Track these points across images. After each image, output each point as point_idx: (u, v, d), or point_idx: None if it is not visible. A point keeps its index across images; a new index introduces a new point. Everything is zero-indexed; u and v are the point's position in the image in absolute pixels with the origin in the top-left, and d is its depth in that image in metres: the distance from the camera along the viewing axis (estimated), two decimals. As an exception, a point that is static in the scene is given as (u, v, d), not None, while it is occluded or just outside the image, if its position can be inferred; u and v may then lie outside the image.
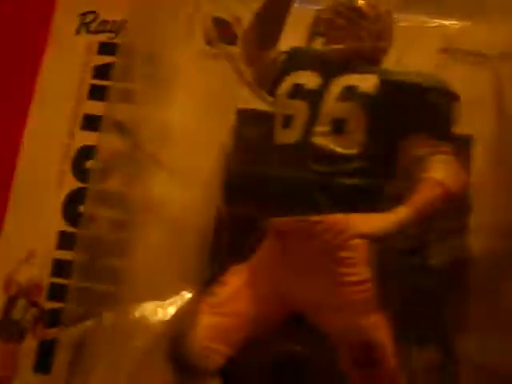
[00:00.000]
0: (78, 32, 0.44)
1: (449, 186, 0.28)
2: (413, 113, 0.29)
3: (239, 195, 0.34)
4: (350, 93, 0.30)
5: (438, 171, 0.28)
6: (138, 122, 0.40)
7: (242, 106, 0.39)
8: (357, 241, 0.28)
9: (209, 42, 0.43)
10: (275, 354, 0.31)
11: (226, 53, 0.38)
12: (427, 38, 0.43)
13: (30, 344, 0.39)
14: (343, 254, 0.28)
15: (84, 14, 0.45)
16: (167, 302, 0.31)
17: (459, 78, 0.41)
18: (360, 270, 0.28)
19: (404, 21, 0.43)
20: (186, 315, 0.30)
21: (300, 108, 0.31)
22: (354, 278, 0.28)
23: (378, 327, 0.28)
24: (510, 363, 0.31)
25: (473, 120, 0.39)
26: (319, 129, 0.30)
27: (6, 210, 0.41)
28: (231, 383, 0.30)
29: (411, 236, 0.34)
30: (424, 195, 0.28)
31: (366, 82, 0.30)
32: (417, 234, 0.34)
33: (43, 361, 0.39)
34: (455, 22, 0.43)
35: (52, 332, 0.39)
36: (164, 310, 0.31)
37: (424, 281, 0.33)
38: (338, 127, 0.29)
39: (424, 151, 0.29)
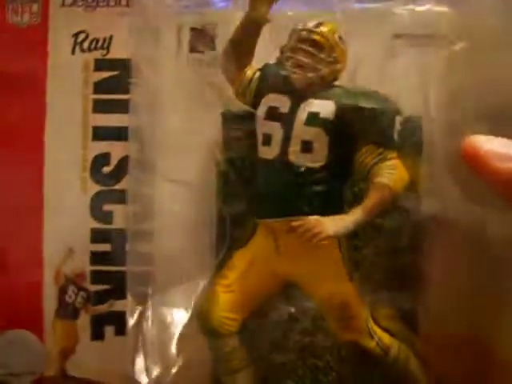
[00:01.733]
0: (73, 52, 0.52)
1: (393, 187, 0.39)
2: (362, 130, 0.39)
3: (234, 199, 0.44)
4: (313, 118, 0.39)
5: (385, 176, 0.39)
6: (138, 129, 0.50)
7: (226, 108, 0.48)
8: (328, 232, 0.40)
9: (192, 50, 0.51)
10: (275, 315, 0.44)
11: (207, 76, 0.46)
12: (380, 25, 0.51)
13: (84, 320, 0.52)
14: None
15: (76, 34, 0.52)
16: (192, 286, 0.44)
17: (412, 61, 0.50)
18: (332, 253, 0.40)
19: (359, 11, 0.52)
20: (206, 295, 0.43)
21: (276, 129, 0.41)
22: (328, 259, 0.40)
23: (349, 293, 0.40)
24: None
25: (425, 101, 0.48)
26: (292, 148, 0.40)
27: (43, 217, 0.52)
28: (245, 340, 0.43)
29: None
30: (374, 197, 0.38)
31: (326, 109, 0.39)
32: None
33: (97, 331, 0.52)
34: (404, 9, 0.51)
35: (99, 308, 0.52)
36: (191, 294, 0.43)
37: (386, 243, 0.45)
38: (307, 147, 0.39)
39: (373, 160, 0.39)
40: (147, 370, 0.41)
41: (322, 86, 0.41)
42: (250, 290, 0.42)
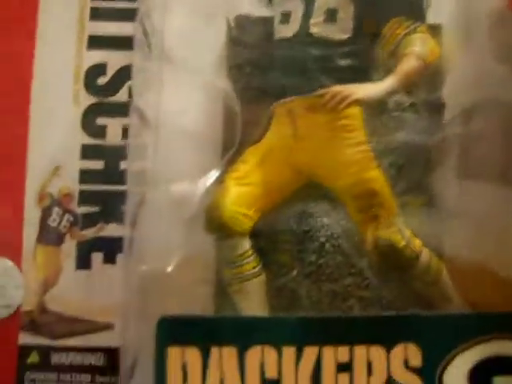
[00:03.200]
0: (72, -42, 0.50)
1: (425, 58, 0.36)
2: (391, 0, 0.37)
3: (246, 86, 0.41)
4: (338, -14, 0.37)
5: (416, 46, 0.37)
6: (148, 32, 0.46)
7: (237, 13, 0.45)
8: (354, 110, 0.36)
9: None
10: (293, 215, 0.40)
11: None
12: None
13: (69, 246, 0.47)
14: (343, 122, 0.37)
15: None
16: (197, 182, 0.40)
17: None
18: (357, 135, 0.37)
19: None
20: (215, 189, 0.39)
21: (295, 4, 0.38)
22: (354, 141, 0.37)
23: (377, 179, 0.37)
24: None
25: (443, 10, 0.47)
26: (314, 20, 0.37)
27: (28, 131, 0.48)
28: (259, 242, 0.39)
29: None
30: (406, 67, 0.36)
31: (349, -21, 0.38)
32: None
33: (83, 259, 0.47)
34: None
35: (87, 233, 0.48)
36: (196, 186, 0.39)
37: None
38: (331, 16, 0.37)
39: (403, 31, 0.37)
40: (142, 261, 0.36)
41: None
42: (265, 184, 0.38)
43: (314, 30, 0.37)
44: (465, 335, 0.32)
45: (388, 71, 0.37)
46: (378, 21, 0.37)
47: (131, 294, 0.35)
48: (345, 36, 0.37)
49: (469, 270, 0.40)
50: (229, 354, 0.31)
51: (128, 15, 0.48)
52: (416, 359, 0.31)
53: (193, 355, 0.31)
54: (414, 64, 0.36)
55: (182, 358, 0.31)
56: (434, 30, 0.43)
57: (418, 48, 0.36)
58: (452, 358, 0.32)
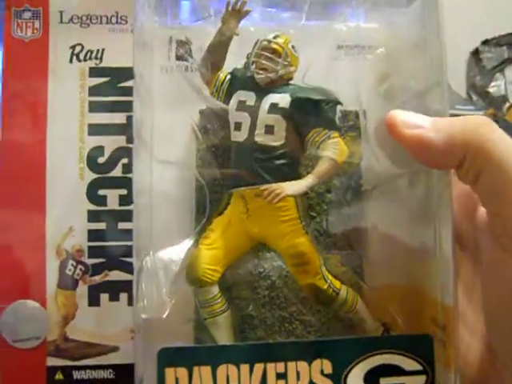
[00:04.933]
0: (71, 61, 0.67)
1: (337, 159, 0.55)
2: (312, 116, 0.56)
3: (211, 175, 0.60)
4: (274, 108, 0.55)
5: (330, 151, 0.55)
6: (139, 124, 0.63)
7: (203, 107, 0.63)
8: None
9: (178, 58, 0.66)
10: (250, 262, 0.59)
11: (189, 79, 0.62)
12: (327, 38, 0.68)
13: (82, 289, 0.66)
14: (280, 204, 0.55)
15: (73, 47, 0.67)
16: (178, 247, 0.58)
17: (350, 67, 0.67)
18: (291, 212, 0.56)
19: (308, 26, 0.69)
20: (192, 253, 0.57)
21: (244, 117, 0.56)
22: (287, 217, 0.56)
23: (305, 243, 0.56)
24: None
25: (359, 98, 0.65)
26: (257, 132, 0.55)
27: (45, 202, 0.65)
28: (225, 289, 0.58)
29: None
30: (322, 167, 0.54)
31: (283, 100, 0.56)
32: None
33: (93, 298, 0.66)
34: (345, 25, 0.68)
35: (95, 279, 0.66)
36: (179, 251, 0.58)
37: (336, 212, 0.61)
38: (269, 130, 0.55)
39: (320, 139, 0.55)
40: (144, 311, 0.54)
41: (280, 84, 0.57)
42: (228, 247, 0.57)
43: (257, 138, 0.56)
44: (363, 352, 0.52)
45: (312, 168, 0.56)
46: (303, 131, 0.56)
47: (138, 333, 0.54)
48: (279, 143, 0.56)
49: (379, 298, 0.59)
50: (205, 371, 0.50)
51: (118, 107, 0.66)
52: (328, 369, 0.51)
53: (182, 373, 0.50)
54: (327, 165, 0.55)
55: (175, 375, 0.50)
56: (356, 116, 0.62)
57: (330, 153, 0.55)
58: (353, 367, 0.52)
